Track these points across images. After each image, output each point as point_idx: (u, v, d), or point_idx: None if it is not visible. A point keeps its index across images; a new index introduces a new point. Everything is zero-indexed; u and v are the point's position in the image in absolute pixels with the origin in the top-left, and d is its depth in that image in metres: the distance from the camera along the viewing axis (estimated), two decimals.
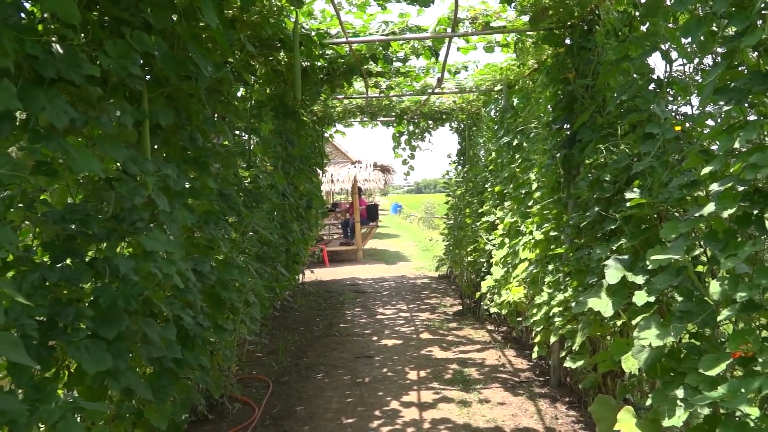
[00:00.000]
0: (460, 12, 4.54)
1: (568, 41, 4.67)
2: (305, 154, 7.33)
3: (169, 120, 2.89)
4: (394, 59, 5.45)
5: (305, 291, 9.81)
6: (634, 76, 3.52)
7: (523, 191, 5.95)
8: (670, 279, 2.79)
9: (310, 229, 8.43)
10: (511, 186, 6.35)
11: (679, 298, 2.72)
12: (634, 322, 2.95)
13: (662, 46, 3.27)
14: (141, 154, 2.78)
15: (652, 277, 3.03)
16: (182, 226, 3.47)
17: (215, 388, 3.85)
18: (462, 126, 10.03)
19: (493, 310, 6.34)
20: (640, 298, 2.93)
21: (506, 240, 6.34)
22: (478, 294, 7.29)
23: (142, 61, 2.73)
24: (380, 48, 5.27)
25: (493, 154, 7.36)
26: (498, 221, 6.95)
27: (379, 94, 7.37)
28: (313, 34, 4.56)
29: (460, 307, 8.33)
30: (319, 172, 9.47)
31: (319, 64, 5.72)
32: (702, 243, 2.64)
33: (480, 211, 7.74)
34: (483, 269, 7.47)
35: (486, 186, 7.79)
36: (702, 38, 2.61)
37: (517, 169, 6.36)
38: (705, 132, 2.96)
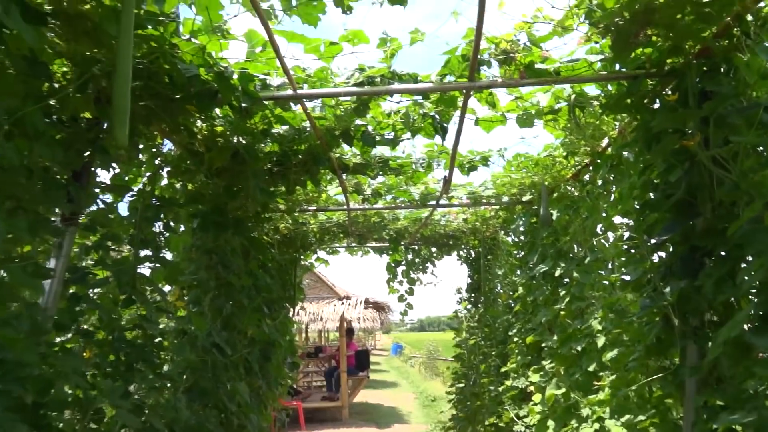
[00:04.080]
0: (483, 44, 2.67)
1: (656, 105, 2.78)
2: (261, 285, 5.23)
3: None
4: (378, 138, 3.55)
5: None
6: None
7: (579, 347, 3.79)
8: None
9: (271, 386, 6.12)
10: (555, 338, 4.19)
11: None
12: None
13: None
14: None
15: None
16: None
17: None
18: (473, 255, 8.02)
19: None
20: None
21: (551, 423, 4.07)
22: None
23: None
24: (354, 119, 3.37)
25: (521, 290, 5.26)
26: (532, 388, 4.71)
27: (363, 205, 5.44)
28: (235, 75, 2.66)
29: None
30: (292, 309, 7.35)
31: (268, 149, 3.84)
32: None
33: (503, 370, 5.49)
34: None
35: (510, 334, 5.61)
36: None
37: (563, 312, 4.24)
38: None
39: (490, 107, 3.20)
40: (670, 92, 2.69)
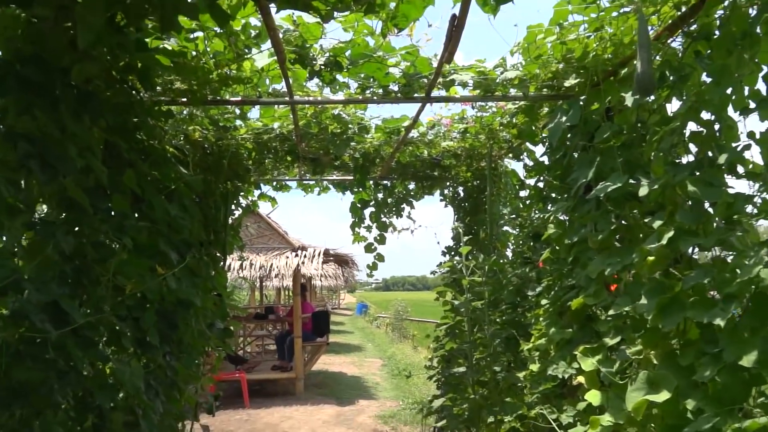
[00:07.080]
0: None
1: None
2: (159, 217, 3.26)
3: None
4: None
5: None
6: None
7: (704, 320, 1.99)
8: None
9: (186, 362, 4.25)
10: (648, 308, 2.37)
11: None
12: None
13: None
14: None
15: None
16: None
17: None
18: (461, 194, 6.19)
19: None
20: None
21: None
22: None
23: None
24: None
25: (551, 229, 3.43)
26: (581, 379, 2.94)
27: (313, 98, 3.52)
28: None
29: None
30: (223, 259, 5.45)
31: None
32: None
33: (521, 350, 3.70)
34: None
35: (531, 294, 3.82)
36: None
37: (651, 258, 2.43)
38: None
39: None
40: None
